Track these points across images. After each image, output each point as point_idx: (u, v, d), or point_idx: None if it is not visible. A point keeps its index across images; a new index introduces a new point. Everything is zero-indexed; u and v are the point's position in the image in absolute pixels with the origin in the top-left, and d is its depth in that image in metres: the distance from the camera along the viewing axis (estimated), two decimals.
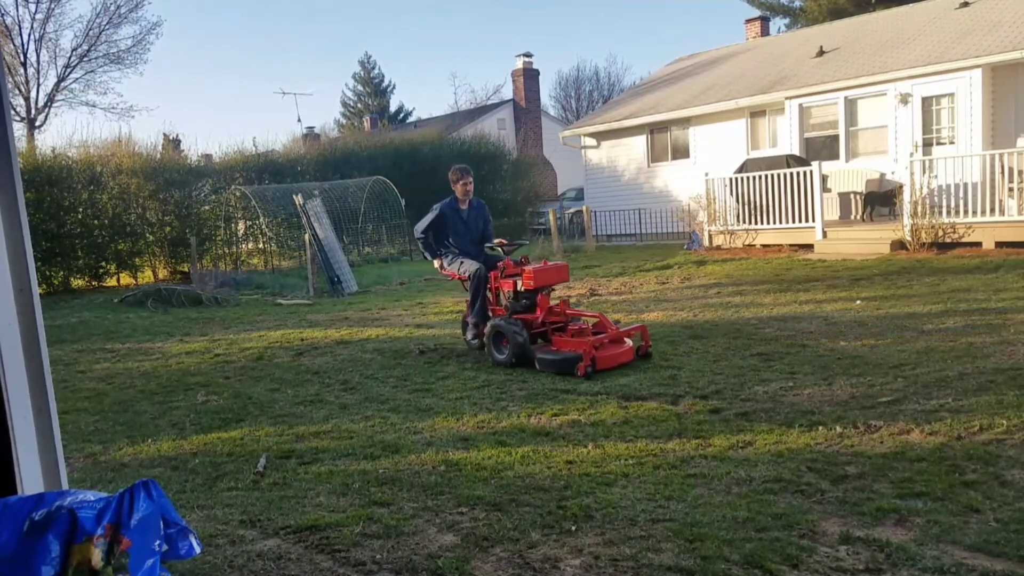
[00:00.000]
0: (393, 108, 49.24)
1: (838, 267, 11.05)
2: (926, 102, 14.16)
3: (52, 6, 30.18)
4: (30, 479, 1.91)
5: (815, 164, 13.17)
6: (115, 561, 1.70)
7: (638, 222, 19.36)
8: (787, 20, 32.46)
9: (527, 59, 33.26)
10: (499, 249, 7.12)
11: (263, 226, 18.47)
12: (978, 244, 11.27)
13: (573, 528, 3.20)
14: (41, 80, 30.49)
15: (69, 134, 49.88)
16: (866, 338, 6.54)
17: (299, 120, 78.86)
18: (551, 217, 18.18)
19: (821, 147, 15.67)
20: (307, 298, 13.10)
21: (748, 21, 24.52)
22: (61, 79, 30.62)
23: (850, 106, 15.21)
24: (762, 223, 13.80)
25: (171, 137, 24.50)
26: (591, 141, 20.89)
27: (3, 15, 28.68)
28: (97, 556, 1.69)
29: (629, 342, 6.32)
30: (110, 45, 30.95)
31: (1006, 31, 13.76)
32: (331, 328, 9.19)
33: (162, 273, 18.13)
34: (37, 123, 30.13)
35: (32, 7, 33.39)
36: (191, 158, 21.21)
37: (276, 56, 76.98)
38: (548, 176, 30.80)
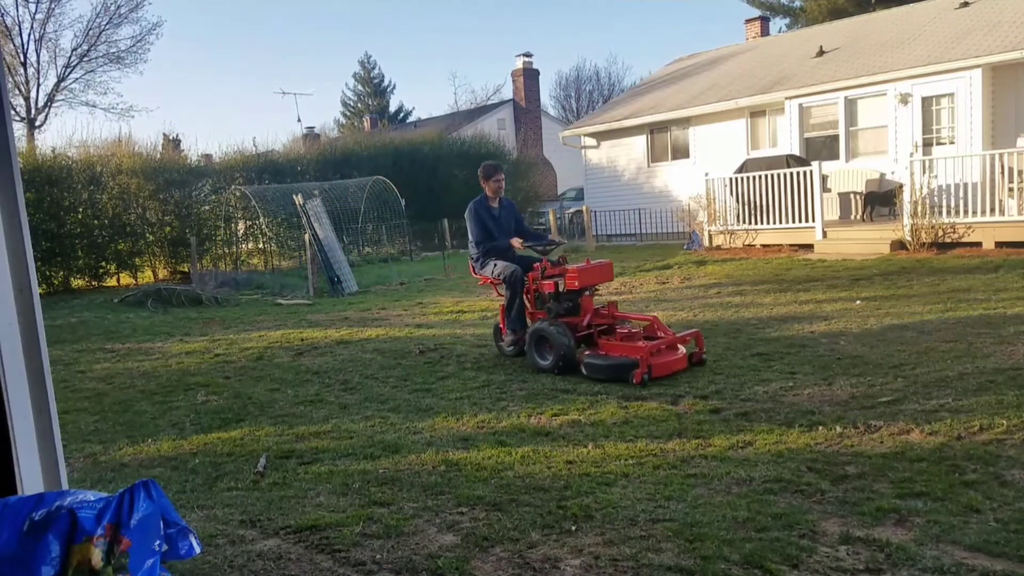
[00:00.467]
0: (393, 108, 49.26)
1: (838, 267, 11.05)
2: (926, 102, 14.16)
3: (52, 6, 30.27)
4: (30, 479, 1.91)
5: (815, 164, 13.17)
6: (115, 561, 1.70)
7: (638, 222, 19.36)
8: (787, 20, 32.48)
9: (527, 59, 33.26)
10: (532, 249, 6.73)
11: (263, 226, 18.48)
12: (978, 244, 11.27)
13: (573, 528, 3.20)
14: (41, 80, 30.54)
15: (69, 134, 49.86)
16: (866, 338, 6.54)
17: (299, 120, 78.97)
18: (551, 217, 18.18)
19: (821, 147, 15.67)
20: (307, 298, 13.10)
21: (748, 21, 24.52)
22: (61, 79, 30.66)
23: (850, 106, 15.21)
24: (762, 223, 13.79)
25: (171, 137, 24.52)
26: (591, 141, 20.89)
27: (3, 15, 28.71)
28: (97, 556, 1.69)
29: (683, 349, 5.89)
30: (110, 45, 31.00)
31: (1006, 31, 13.76)
32: (331, 328, 9.19)
33: (162, 273, 18.14)
34: (37, 123, 30.15)
35: (32, 7, 33.43)
36: (191, 158, 21.24)
37: (276, 56, 77.03)
38: (548, 176, 30.81)
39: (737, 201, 14.21)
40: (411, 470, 4.04)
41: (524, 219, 7.20)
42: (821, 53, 17.36)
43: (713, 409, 4.79)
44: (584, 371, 5.80)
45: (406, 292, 12.94)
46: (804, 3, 31.00)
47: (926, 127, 14.19)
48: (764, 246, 13.84)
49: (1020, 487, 3.33)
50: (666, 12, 75.00)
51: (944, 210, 11.58)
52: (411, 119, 45.08)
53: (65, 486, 1.99)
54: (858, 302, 8.30)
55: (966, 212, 11.36)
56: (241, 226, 19.48)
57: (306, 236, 14.31)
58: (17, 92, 29.11)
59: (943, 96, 13.97)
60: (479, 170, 7.04)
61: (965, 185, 11.35)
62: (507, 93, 39.58)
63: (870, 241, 12.35)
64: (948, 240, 11.50)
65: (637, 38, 75.09)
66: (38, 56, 29.90)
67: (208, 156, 24.09)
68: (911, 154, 12.59)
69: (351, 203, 18.58)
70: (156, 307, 12.55)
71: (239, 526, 3.43)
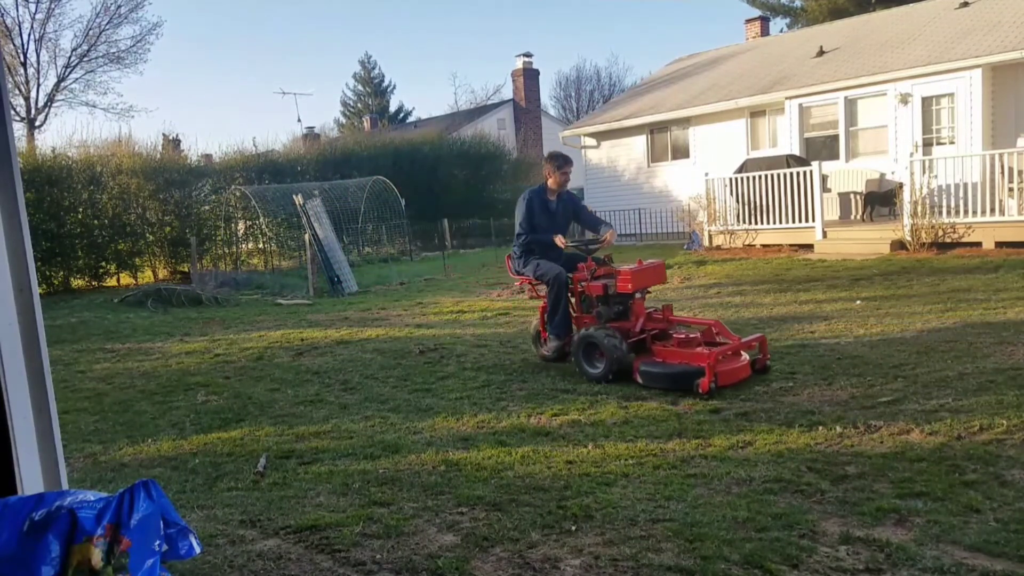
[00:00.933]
0: (393, 108, 49.24)
1: (838, 267, 11.05)
2: (926, 102, 14.15)
3: (52, 6, 30.22)
4: (30, 479, 1.91)
5: (815, 164, 13.17)
6: (115, 561, 1.70)
7: (638, 222, 19.36)
8: (787, 20, 32.48)
9: (527, 59, 33.27)
10: (577, 248, 6.27)
11: (263, 226, 18.48)
12: (978, 244, 11.26)
13: (573, 528, 3.20)
14: (41, 80, 30.54)
15: (69, 134, 49.89)
16: (866, 338, 6.53)
17: (299, 120, 78.81)
18: None
19: (821, 147, 15.67)
20: (307, 298, 13.10)
21: (748, 21, 24.51)
22: (61, 79, 30.66)
23: (850, 106, 15.21)
24: (762, 223, 13.79)
25: (171, 137, 24.52)
26: (591, 141, 20.88)
27: (3, 15, 28.71)
28: (97, 556, 1.69)
29: (746, 356, 5.48)
30: (110, 45, 31.00)
31: (1006, 31, 13.76)
32: (331, 328, 9.19)
33: (162, 273, 18.14)
34: (37, 123, 30.16)
35: (32, 7, 33.39)
36: (191, 158, 21.27)
37: (276, 56, 77.01)
38: None
39: (737, 201, 14.20)
40: (411, 470, 4.04)
41: (585, 208, 6.70)
42: (821, 53, 17.35)
43: (713, 409, 4.79)
44: (640, 380, 5.38)
45: (406, 292, 12.94)
46: (804, 3, 30.99)
47: (926, 127, 14.18)
48: (764, 246, 13.84)
49: (1020, 487, 3.33)
50: (666, 12, 75.00)
51: (944, 210, 11.58)
52: (411, 119, 45.08)
53: (65, 486, 1.99)
54: (858, 302, 8.30)
55: (966, 212, 11.36)
56: (241, 226, 19.49)
57: (306, 236, 14.32)
58: (17, 92, 29.12)
59: (943, 96, 13.96)
60: (546, 158, 6.37)
61: (965, 185, 11.35)
62: (507, 93, 39.62)
63: (870, 241, 12.34)
64: (948, 240, 11.50)
65: (637, 38, 75.10)
66: (38, 56, 29.95)
67: (208, 156, 24.11)
68: (911, 154, 12.59)
69: (351, 203, 18.59)
70: (156, 307, 12.55)
71: (239, 526, 3.43)
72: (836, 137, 15.42)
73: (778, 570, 2.74)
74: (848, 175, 15.03)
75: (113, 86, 54.73)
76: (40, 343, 1.92)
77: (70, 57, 30.40)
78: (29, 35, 29.27)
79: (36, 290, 1.94)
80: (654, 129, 19.35)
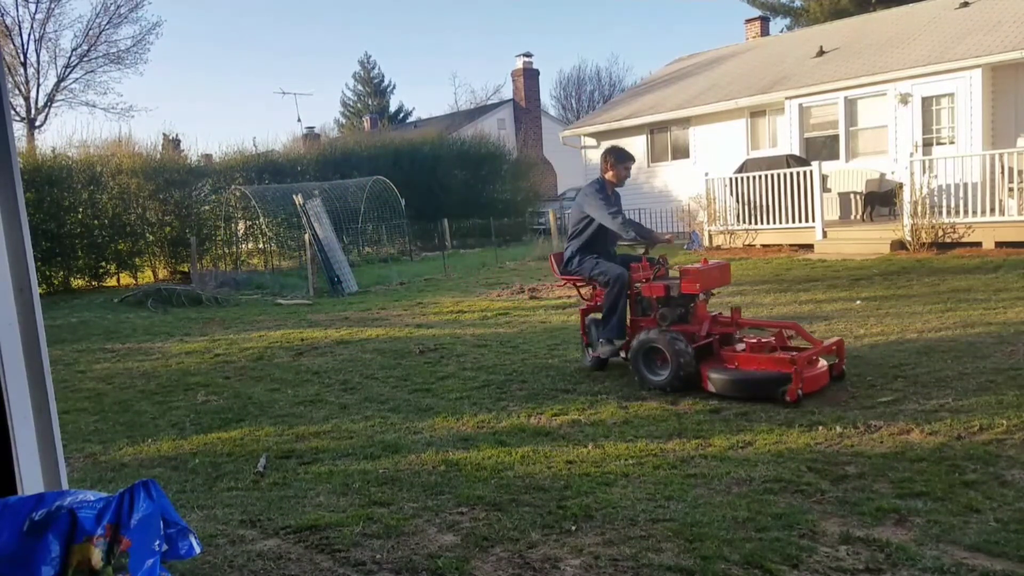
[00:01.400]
0: (393, 108, 49.24)
1: (838, 267, 11.05)
2: (926, 102, 14.15)
3: (52, 6, 30.28)
4: (30, 479, 1.91)
5: (815, 164, 13.17)
6: (115, 561, 1.70)
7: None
8: (788, 20, 32.47)
9: (527, 59, 33.27)
10: (634, 246, 5.96)
11: (263, 226, 18.48)
12: (978, 244, 11.26)
13: (573, 528, 3.20)
14: (41, 80, 30.57)
15: (69, 134, 49.93)
16: (866, 338, 6.53)
17: (299, 120, 78.74)
18: (551, 217, 18.20)
19: (821, 147, 15.67)
20: (307, 298, 13.10)
21: (748, 21, 24.51)
22: (61, 79, 30.68)
23: (850, 106, 15.21)
24: (762, 223, 13.79)
25: (171, 137, 24.52)
26: (591, 141, 20.89)
27: (3, 15, 28.72)
28: (97, 556, 1.69)
29: (823, 361, 5.16)
30: (110, 45, 31.04)
31: (1006, 31, 13.76)
32: (331, 328, 9.19)
33: (162, 273, 18.15)
34: (37, 123, 30.17)
35: (32, 7, 33.44)
36: (191, 158, 21.28)
37: (276, 56, 77.02)
38: (548, 176, 30.82)
39: (737, 201, 14.20)
40: (411, 470, 4.04)
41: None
42: (821, 53, 17.35)
43: (713, 409, 4.79)
44: (712, 388, 5.05)
45: (406, 292, 12.93)
46: (804, 3, 30.99)
47: (926, 127, 14.18)
48: (764, 246, 13.84)
49: (1020, 487, 3.33)
50: (666, 12, 75.04)
51: (944, 210, 11.58)
52: (411, 119, 45.08)
53: (65, 486, 1.99)
54: (858, 302, 8.30)
55: (966, 212, 11.36)
56: (241, 226, 19.49)
57: (306, 236, 14.31)
58: (17, 92, 29.13)
59: (943, 96, 13.96)
60: (609, 153, 5.99)
61: (965, 185, 11.35)
62: (507, 93, 39.62)
63: (870, 241, 12.34)
64: (948, 240, 11.50)
65: (637, 38, 75.16)
66: (38, 56, 29.97)
67: (208, 156, 24.10)
68: (911, 154, 12.58)
69: (351, 203, 18.60)
70: (156, 307, 12.55)
71: (239, 526, 3.43)
72: (836, 137, 15.42)
73: (778, 570, 2.74)
74: (848, 175, 15.03)
75: (113, 86, 54.94)
76: (40, 343, 1.92)
77: (70, 57, 30.45)
78: (29, 35, 29.33)
79: (36, 290, 1.94)
80: (654, 129, 19.35)
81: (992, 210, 11.17)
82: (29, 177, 15.49)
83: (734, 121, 17.56)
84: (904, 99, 14.29)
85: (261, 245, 19.61)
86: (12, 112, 2.72)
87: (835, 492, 3.41)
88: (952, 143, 13.74)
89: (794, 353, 5.02)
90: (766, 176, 13.64)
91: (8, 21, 28.90)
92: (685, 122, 18.59)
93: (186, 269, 17.18)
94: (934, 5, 17.47)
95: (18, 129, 28.93)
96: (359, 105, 49.25)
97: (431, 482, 3.84)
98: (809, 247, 13.12)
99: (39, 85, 30.38)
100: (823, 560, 2.80)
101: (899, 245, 11.93)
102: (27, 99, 29.76)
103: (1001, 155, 11.24)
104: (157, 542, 1.78)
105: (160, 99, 74.24)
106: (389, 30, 76.51)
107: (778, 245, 13.66)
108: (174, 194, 18.38)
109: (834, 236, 12.92)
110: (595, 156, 20.83)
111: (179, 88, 74.71)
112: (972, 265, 10.02)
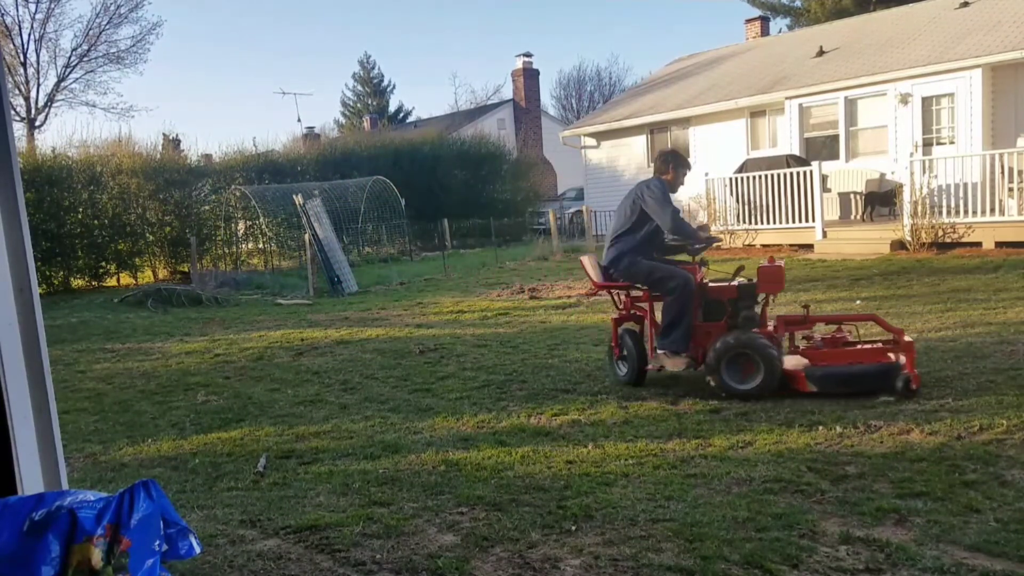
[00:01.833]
0: (393, 108, 49.19)
1: (838, 267, 11.05)
2: (926, 102, 14.15)
3: (52, 6, 30.26)
4: (30, 479, 1.91)
5: (815, 164, 13.17)
6: (115, 561, 1.70)
7: None
8: (788, 20, 32.47)
9: (527, 59, 33.26)
10: (685, 247, 5.64)
11: (263, 226, 18.48)
12: (978, 244, 11.26)
13: (573, 528, 3.20)
14: (41, 80, 30.56)
15: (69, 134, 49.98)
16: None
17: (299, 120, 78.69)
18: (551, 217, 18.19)
19: (821, 147, 15.66)
20: (307, 298, 13.10)
21: (748, 21, 24.50)
22: (61, 79, 30.68)
23: (850, 106, 15.21)
24: (762, 223, 13.79)
25: (171, 137, 24.51)
26: (591, 141, 20.88)
27: (3, 15, 28.72)
28: (97, 556, 1.69)
29: (892, 355, 5.07)
30: (110, 45, 31.02)
31: (1006, 31, 13.76)
32: (331, 328, 9.19)
33: (162, 273, 18.15)
34: (37, 123, 30.18)
35: (32, 7, 33.39)
36: (191, 158, 21.27)
37: (276, 56, 76.99)
38: (548, 176, 30.82)
39: (737, 201, 14.20)
40: (411, 470, 4.04)
41: None
42: (821, 53, 17.35)
43: (713, 409, 4.79)
44: (813, 387, 4.87)
45: (406, 292, 12.93)
46: (805, 3, 30.98)
47: (926, 127, 14.18)
48: (764, 246, 13.83)
49: (1020, 487, 3.33)
50: (666, 12, 75.02)
51: (944, 210, 11.57)
52: (411, 119, 45.05)
53: (65, 486, 1.99)
54: (858, 302, 8.30)
55: (966, 212, 11.36)
56: (241, 226, 19.49)
57: (306, 236, 14.31)
58: (17, 92, 29.12)
59: (943, 96, 13.96)
60: (670, 155, 5.71)
61: (965, 185, 11.35)
62: (507, 93, 39.61)
63: (870, 241, 12.34)
64: (948, 240, 11.50)
65: (637, 38, 75.14)
66: (38, 56, 29.96)
67: (208, 156, 24.10)
68: (911, 154, 12.58)
69: (351, 203, 18.59)
70: (156, 307, 12.55)
71: (239, 526, 3.43)
72: (836, 137, 15.42)
73: (778, 570, 2.74)
74: (848, 175, 15.03)
75: (113, 86, 54.85)
76: (40, 343, 1.92)
77: (70, 57, 30.45)
78: (29, 35, 29.33)
79: (36, 290, 1.94)
80: (654, 129, 19.35)
81: (992, 210, 11.17)
82: (29, 177, 15.49)
83: (734, 121, 17.56)
84: (904, 99, 14.28)
85: (261, 245, 19.62)
86: (12, 112, 2.72)
87: (835, 492, 3.41)
88: (952, 143, 13.74)
89: (898, 341, 4.97)
90: (766, 176, 13.64)
91: (8, 21, 28.94)
92: (685, 122, 18.58)
93: (186, 269, 17.18)
94: (934, 5, 17.46)
95: (18, 129, 28.94)
96: (359, 105, 49.21)
97: (431, 482, 3.84)
98: (809, 247, 13.12)
99: (39, 85, 30.43)
100: (823, 560, 2.80)
101: (899, 245, 11.93)
102: (27, 99, 29.77)
103: (1001, 155, 11.24)
104: (157, 542, 1.78)
105: (160, 99, 74.29)
106: (389, 30, 76.50)
107: (778, 245, 13.65)
108: (174, 194, 18.38)
109: (834, 236, 12.91)
110: (595, 156, 20.85)
111: (179, 88, 74.69)
112: (972, 265, 10.02)
